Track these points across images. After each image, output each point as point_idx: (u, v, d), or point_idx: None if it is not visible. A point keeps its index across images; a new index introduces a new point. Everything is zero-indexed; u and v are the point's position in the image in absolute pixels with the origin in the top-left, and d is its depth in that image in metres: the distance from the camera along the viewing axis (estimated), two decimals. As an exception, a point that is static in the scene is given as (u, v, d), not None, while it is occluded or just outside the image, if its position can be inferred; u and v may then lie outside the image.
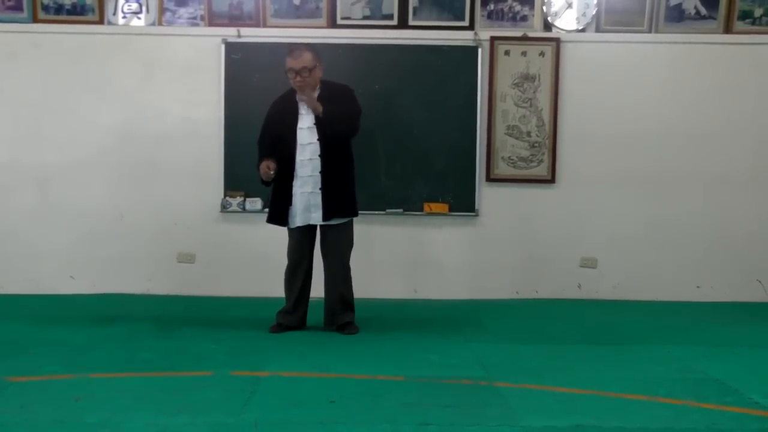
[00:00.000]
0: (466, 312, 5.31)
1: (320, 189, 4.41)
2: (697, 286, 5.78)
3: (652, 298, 5.72)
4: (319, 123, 4.38)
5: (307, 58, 4.34)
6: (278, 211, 4.49)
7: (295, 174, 4.42)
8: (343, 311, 4.56)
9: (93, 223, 5.72)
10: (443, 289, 5.76)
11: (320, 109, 4.34)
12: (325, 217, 4.43)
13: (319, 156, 4.40)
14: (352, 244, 4.59)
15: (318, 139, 4.40)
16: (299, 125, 4.42)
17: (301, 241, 4.51)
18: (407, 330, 4.70)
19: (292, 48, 4.44)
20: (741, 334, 4.73)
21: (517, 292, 5.79)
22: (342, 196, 4.46)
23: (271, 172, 4.38)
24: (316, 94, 4.40)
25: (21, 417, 3.03)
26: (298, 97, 4.40)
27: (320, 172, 4.40)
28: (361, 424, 2.98)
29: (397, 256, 5.77)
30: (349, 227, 4.56)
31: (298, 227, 4.48)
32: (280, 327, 4.57)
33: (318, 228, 4.53)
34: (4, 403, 3.19)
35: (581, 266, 5.79)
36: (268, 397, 3.31)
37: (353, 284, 4.61)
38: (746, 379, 3.65)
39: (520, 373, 3.74)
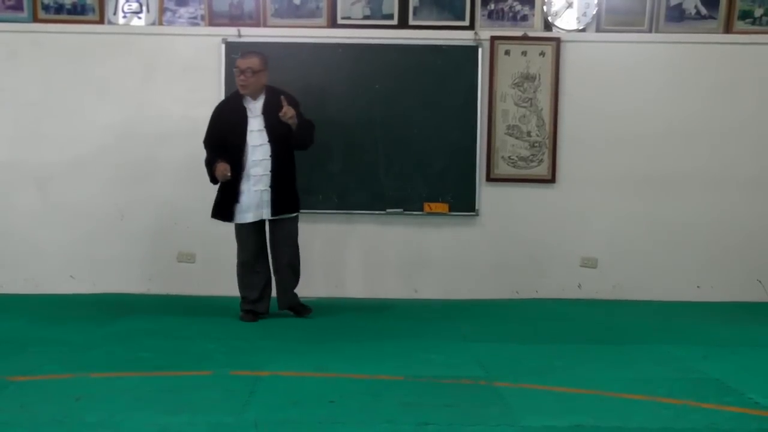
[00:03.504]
0: (465, 312, 5.31)
1: (270, 187, 4.76)
2: (697, 286, 5.78)
3: (652, 298, 5.71)
4: (269, 126, 4.75)
5: (254, 61, 4.75)
6: (225, 208, 4.81)
7: (245, 173, 4.75)
8: (294, 292, 4.99)
9: (93, 222, 5.72)
10: (443, 289, 5.76)
11: (296, 122, 4.72)
12: (275, 213, 4.80)
13: (270, 156, 4.76)
14: (298, 234, 4.98)
15: (269, 141, 4.75)
16: (249, 128, 4.77)
17: (256, 234, 4.86)
18: (407, 330, 4.70)
19: (244, 51, 4.97)
20: (741, 334, 4.72)
21: (517, 292, 5.79)
22: (288, 193, 4.86)
23: (228, 174, 4.67)
24: (262, 98, 4.79)
25: (21, 416, 3.03)
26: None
27: (270, 171, 4.76)
28: (361, 423, 2.99)
29: (397, 256, 5.77)
30: (296, 221, 4.96)
31: (250, 223, 4.81)
32: (254, 314, 4.86)
33: (266, 223, 4.87)
34: (3, 403, 3.20)
35: (581, 266, 5.79)
36: (267, 396, 3.31)
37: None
38: (746, 379, 3.65)
39: (520, 372, 3.75)
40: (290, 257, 4.94)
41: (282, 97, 4.74)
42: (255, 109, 4.80)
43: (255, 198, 4.77)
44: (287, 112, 4.68)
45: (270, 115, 4.74)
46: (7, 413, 3.06)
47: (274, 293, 5.00)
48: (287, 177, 4.85)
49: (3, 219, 5.71)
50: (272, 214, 4.80)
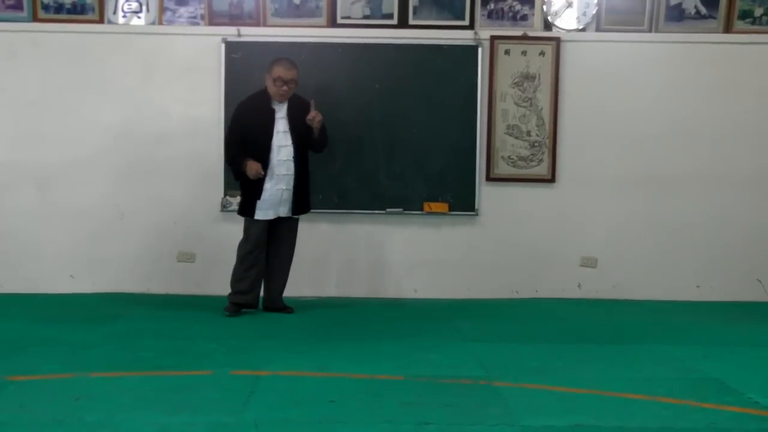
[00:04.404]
0: (465, 312, 5.31)
1: (292, 186, 4.96)
2: (697, 286, 5.78)
3: (652, 297, 5.72)
4: (293, 128, 4.94)
5: (296, 73, 4.95)
6: (250, 205, 4.95)
7: (269, 172, 4.90)
8: (281, 293, 5.15)
9: (93, 222, 5.72)
10: (443, 289, 5.76)
11: (319, 128, 4.94)
12: (295, 212, 5.02)
13: (293, 158, 4.95)
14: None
15: (292, 143, 4.94)
16: (276, 128, 4.93)
17: (265, 230, 4.98)
18: (407, 329, 4.70)
19: (281, 59, 4.98)
20: (741, 334, 4.73)
21: (516, 292, 5.79)
22: (305, 194, 5.07)
23: (262, 173, 4.83)
24: (286, 102, 4.96)
25: (20, 416, 3.03)
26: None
27: (293, 172, 4.95)
28: (361, 423, 2.99)
29: (397, 256, 5.77)
30: (298, 221, 5.14)
31: (263, 219, 4.94)
32: (237, 307, 4.99)
33: (272, 221, 4.99)
34: (3, 403, 3.20)
35: (581, 266, 5.79)
36: (267, 396, 3.31)
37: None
38: (746, 379, 3.65)
39: (520, 372, 3.75)
40: (289, 257, 5.11)
41: (312, 101, 4.91)
42: (281, 111, 4.96)
43: (276, 196, 4.93)
44: (316, 117, 4.88)
45: (293, 118, 4.93)
46: (7, 413, 3.06)
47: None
48: (306, 178, 5.05)
49: (3, 219, 5.71)
50: (292, 213, 5.00)
